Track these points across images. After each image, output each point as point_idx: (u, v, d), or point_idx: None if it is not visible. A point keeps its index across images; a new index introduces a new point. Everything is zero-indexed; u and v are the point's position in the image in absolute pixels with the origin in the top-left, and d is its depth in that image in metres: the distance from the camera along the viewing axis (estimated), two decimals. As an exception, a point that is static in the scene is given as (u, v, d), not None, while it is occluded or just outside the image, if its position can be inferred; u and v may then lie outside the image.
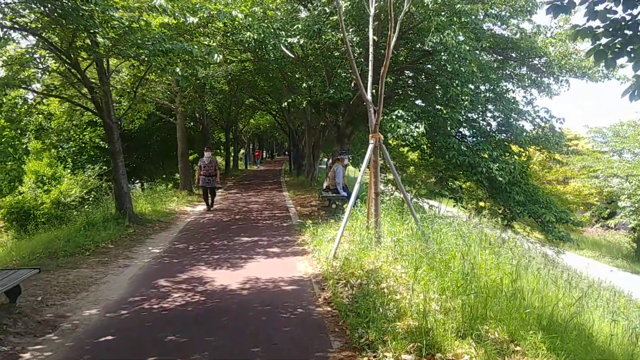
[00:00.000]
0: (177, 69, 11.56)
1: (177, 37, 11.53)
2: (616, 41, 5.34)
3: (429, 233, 8.91)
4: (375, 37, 10.22)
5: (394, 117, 14.09)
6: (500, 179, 13.96)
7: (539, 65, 16.73)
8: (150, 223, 14.21)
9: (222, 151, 41.68)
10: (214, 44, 15.00)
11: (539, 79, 17.23)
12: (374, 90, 9.87)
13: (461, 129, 16.11)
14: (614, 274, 19.63)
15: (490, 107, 16.10)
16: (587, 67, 15.75)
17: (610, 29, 5.48)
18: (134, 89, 15.10)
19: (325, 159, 35.43)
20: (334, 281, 7.38)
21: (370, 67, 9.53)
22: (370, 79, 9.50)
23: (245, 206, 18.20)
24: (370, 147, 9.15)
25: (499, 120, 16.36)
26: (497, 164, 14.08)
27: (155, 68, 12.23)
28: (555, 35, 16.12)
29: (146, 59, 10.97)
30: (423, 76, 17.69)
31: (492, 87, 15.86)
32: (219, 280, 8.04)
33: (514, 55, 16.40)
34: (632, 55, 5.31)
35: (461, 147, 14.73)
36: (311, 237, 11.02)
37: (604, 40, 5.46)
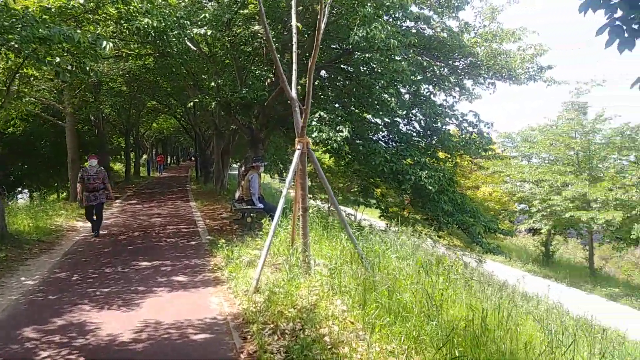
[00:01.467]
0: (58, 59, 9.49)
1: (60, 24, 9.48)
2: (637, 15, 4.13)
3: (367, 254, 7.51)
4: (299, 25, 8.75)
5: (315, 120, 12.67)
6: (430, 187, 12.91)
7: (462, 67, 15.93)
8: (29, 244, 11.86)
9: (122, 157, 38.67)
10: (106, 33, 12.92)
11: (460, 81, 16.45)
12: (299, 87, 8.38)
13: (387, 134, 14.95)
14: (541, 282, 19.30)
15: (415, 110, 15.04)
16: (514, 69, 15.11)
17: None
18: (7, 85, 12.66)
19: (236, 165, 33.59)
20: (259, 326, 5.74)
21: (294, 59, 8.01)
22: (294, 73, 7.97)
23: (146, 220, 16.08)
24: (297, 153, 7.61)
25: (424, 124, 15.35)
26: (426, 172, 13.02)
27: (31, 59, 10.07)
28: (481, 34, 15.36)
29: (16, 46, 8.89)
30: (342, 77, 16.39)
31: (415, 90, 14.89)
32: (107, 327, 6.17)
33: (439, 55, 15.46)
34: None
35: (387, 153, 13.52)
36: (225, 260, 9.30)
37: (620, 13, 4.24)
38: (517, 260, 29.87)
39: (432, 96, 15.96)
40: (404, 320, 5.07)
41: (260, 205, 12.51)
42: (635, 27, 4.10)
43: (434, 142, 15.17)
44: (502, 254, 15.76)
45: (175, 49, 13.40)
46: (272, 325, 5.73)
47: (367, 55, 13.02)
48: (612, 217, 22.50)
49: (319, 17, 7.15)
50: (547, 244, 31.29)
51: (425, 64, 14.12)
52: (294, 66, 7.95)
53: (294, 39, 8.06)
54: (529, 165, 30.78)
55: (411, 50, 13.19)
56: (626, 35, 4.09)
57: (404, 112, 14.76)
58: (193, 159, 54.64)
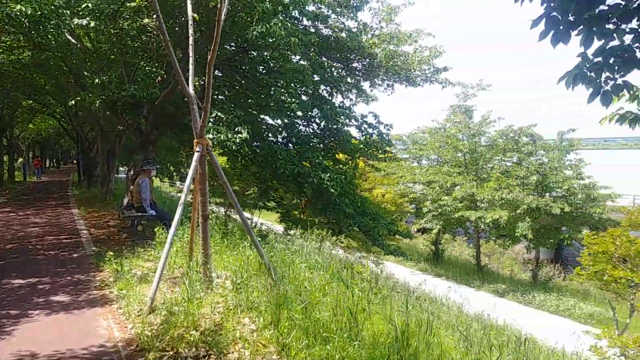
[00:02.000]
0: None
1: None
2: (574, 6, 3.91)
3: (274, 264, 6.95)
4: (195, 15, 8.02)
5: (211, 120, 11.93)
6: (332, 190, 12.59)
7: (360, 68, 15.81)
8: None
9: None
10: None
11: (358, 83, 16.34)
12: (196, 84, 7.67)
13: (286, 135, 14.46)
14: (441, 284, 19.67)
15: (315, 111, 14.66)
16: (411, 71, 15.18)
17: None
18: None
19: (123, 169, 31.71)
20: (156, 354, 5.02)
21: (191, 53, 7.30)
22: (192, 68, 7.26)
23: (20, 230, 14.47)
24: (196, 155, 6.90)
25: (324, 126, 15.01)
26: (328, 174, 12.69)
27: None
28: (379, 36, 15.29)
29: None
30: (239, 76, 15.68)
31: (314, 90, 14.56)
32: (-32, 364, 5.18)
33: (337, 56, 15.21)
34: (587, 26, 3.92)
35: (288, 155, 13.02)
36: (114, 275, 8.35)
37: (558, 3, 4.01)
38: (410, 259, 30.60)
39: (330, 98, 15.69)
40: (324, 341, 4.57)
41: (152, 212, 11.58)
42: (572, 18, 3.88)
43: (334, 143, 14.90)
44: (405, 256, 15.86)
45: (54, 42, 12.10)
46: (171, 353, 5.03)
47: (265, 53, 12.48)
48: (498, 216, 23.52)
49: (218, 6, 6.50)
50: (437, 243, 32.30)
51: (326, 64, 13.80)
52: (191, 60, 7.25)
53: (190, 30, 7.35)
54: (420, 167, 31.64)
55: (312, 50, 12.81)
56: (561, 27, 3.87)
57: (304, 113, 14.37)
58: (75, 162, 51.26)
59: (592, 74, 4.21)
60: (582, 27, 3.88)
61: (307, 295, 5.71)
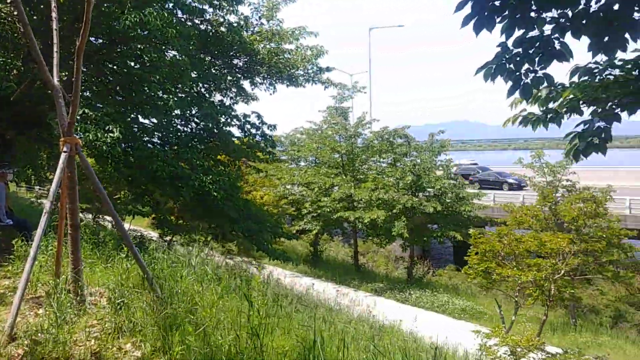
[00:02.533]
0: None
1: None
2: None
3: (159, 277, 6.19)
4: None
5: (78, 118, 10.73)
6: (215, 193, 11.87)
7: (241, 65, 15.18)
8: None
9: None
10: None
11: (238, 81, 15.69)
12: (63, 74, 6.70)
13: (163, 135, 13.47)
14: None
15: (194, 110, 13.78)
16: (294, 70, 14.80)
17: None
18: None
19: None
20: (17, 395, 4.14)
21: (55, 39, 6.35)
22: (56, 56, 6.31)
23: None
24: (63, 157, 5.97)
25: (204, 125, 14.19)
26: (211, 177, 11.96)
27: None
28: (260, 32, 14.74)
29: None
30: (108, 71, 14.39)
31: (191, 87, 13.73)
32: None
33: (216, 52, 14.43)
34: (511, 12, 3.69)
35: (166, 156, 12.07)
36: (-40, 297, 7.09)
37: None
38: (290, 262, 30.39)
39: (209, 96, 14.90)
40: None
41: (9, 221, 10.17)
42: (497, 2, 3.63)
43: (215, 144, 14.13)
44: (291, 260, 15.47)
45: None
46: (38, 392, 4.18)
47: (139, 46, 11.49)
48: (376, 215, 23.96)
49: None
50: (316, 244, 32.40)
51: (207, 59, 13.03)
52: (55, 47, 6.30)
53: (54, 14, 6.42)
54: (299, 169, 31.53)
55: (191, 43, 11.99)
56: (486, 13, 3.61)
57: (182, 112, 13.49)
58: None
59: (512, 65, 4.03)
60: (507, 12, 3.65)
61: (200, 313, 5.07)
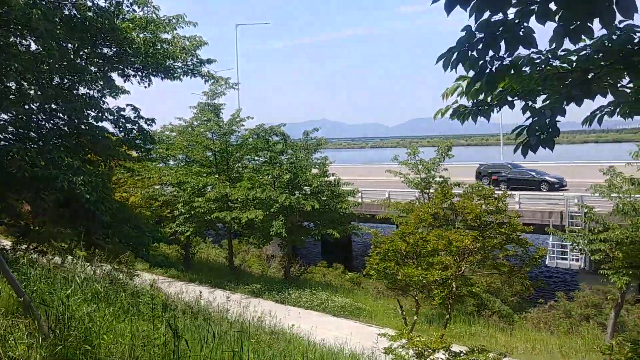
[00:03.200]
0: None
1: None
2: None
3: (38, 300, 5.08)
4: None
5: None
6: (88, 195, 10.53)
7: (112, 54, 13.69)
8: None
9: None
10: None
11: (107, 72, 14.18)
12: None
13: (21, 132, 11.74)
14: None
15: (59, 103, 12.15)
16: (173, 61, 13.60)
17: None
18: None
19: None
20: None
21: None
22: None
23: None
24: None
25: (69, 120, 12.59)
26: (82, 177, 10.58)
27: None
28: (133, 19, 13.34)
29: None
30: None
31: (49, 78, 12.17)
32: None
33: (84, 39, 12.81)
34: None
35: (27, 155, 10.46)
36: None
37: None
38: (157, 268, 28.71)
39: (75, 88, 13.33)
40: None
41: None
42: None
43: (85, 141, 12.61)
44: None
45: None
46: None
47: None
48: (255, 215, 23.26)
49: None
50: (188, 246, 30.99)
51: (77, 46, 11.53)
52: None
53: None
54: (169, 168, 29.90)
55: (58, 27, 10.51)
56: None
57: (43, 105, 11.89)
58: None
59: (474, 53, 3.64)
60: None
61: (98, 343, 4.15)
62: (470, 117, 5.00)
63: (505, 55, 3.73)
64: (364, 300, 24.10)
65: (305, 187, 25.79)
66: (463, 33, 3.66)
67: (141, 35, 12.96)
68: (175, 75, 14.37)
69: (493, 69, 3.76)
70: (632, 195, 15.96)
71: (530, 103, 4.85)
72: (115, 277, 11.12)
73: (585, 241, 15.83)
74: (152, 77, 14.17)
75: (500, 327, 20.85)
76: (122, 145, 13.31)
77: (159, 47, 13.25)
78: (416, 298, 13.37)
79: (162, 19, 13.55)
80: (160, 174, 28.54)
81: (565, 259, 26.13)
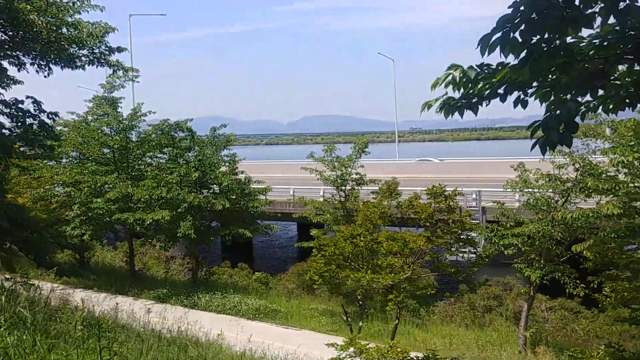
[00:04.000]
0: None
1: None
2: None
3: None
4: None
5: None
6: (-18, 199, 9.18)
7: (2, 40, 12.12)
8: None
9: None
10: None
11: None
12: None
13: None
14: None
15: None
16: (80, 47, 12.24)
17: None
18: None
19: None
20: None
21: None
22: None
23: None
24: None
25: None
26: (-25, 177, 9.22)
27: None
28: (33, 1, 11.83)
29: None
30: None
31: None
32: None
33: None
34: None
35: None
36: None
37: None
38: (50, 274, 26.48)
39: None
40: None
41: None
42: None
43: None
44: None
45: None
46: None
47: None
48: (161, 216, 21.94)
49: None
50: (83, 250, 28.76)
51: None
52: None
53: None
54: (61, 166, 27.60)
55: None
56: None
57: None
58: None
59: (518, 34, 3.22)
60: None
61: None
62: (458, 111, 4.65)
63: (557, 37, 3.33)
64: (277, 301, 23.50)
65: (213, 186, 24.74)
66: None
67: (42, 19, 11.48)
68: (78, 64, 13.03)
69: (540, 53, 3.35)
70: (544, 191, 16.58)
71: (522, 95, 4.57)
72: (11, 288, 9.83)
73: (500, 235, 16.20)
74: (52, 66, 12.75)
75: (415, 323, 21.05)
76: (18, 142, 11.81)
77: (64, 32, 11.86)
78: (360, 303, 12.98)
79: (65, 0, 12.18)
80: (52, 173, 26.27)
81: (465, 251, 27.13)
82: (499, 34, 3.29)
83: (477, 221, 32.29)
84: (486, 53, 3.47)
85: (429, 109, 4.71)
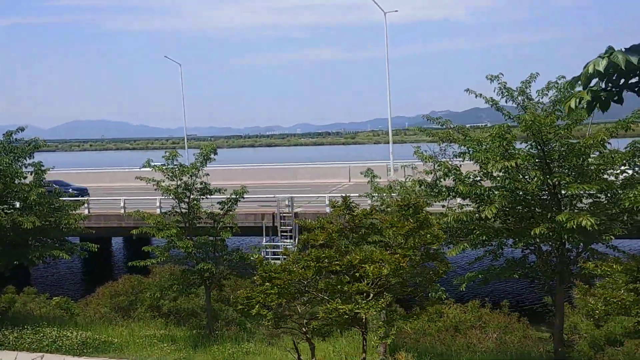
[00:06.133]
0: None
1: None
2: None
3: None
4: None
5: None
6: None
7: None
8: None
9: None
10: None
11: None
12: None
13: None
14: None
15: None
16: None
17: None
18: None
19: None
20: None
21: None
22: None
23: None
24: None
25: None
26: None
27: None
28: None
29: None
30: None
31: None
32: None
33: None
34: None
35: None
36: None
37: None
38: None
39: None
40: None
41: None
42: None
43: None
44: None
45: None
46: None
47: None
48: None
49: None
50: None
51: None
52: None
53: None
54: None
55: None
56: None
57: None
58: None
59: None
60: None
61: None
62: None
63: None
64: (103, 330, 20.28)
65: (17, 201, 20.64)
66: None
67: None
68: None
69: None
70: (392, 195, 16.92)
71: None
72: None
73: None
74: None
75: (262, 339, 19.71)
76: None
77: None
78: (311, 340, 11.37)
79: None
80: None
81: (278, 258, 26.95)
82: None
83: (290, 227, 32.66)
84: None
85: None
